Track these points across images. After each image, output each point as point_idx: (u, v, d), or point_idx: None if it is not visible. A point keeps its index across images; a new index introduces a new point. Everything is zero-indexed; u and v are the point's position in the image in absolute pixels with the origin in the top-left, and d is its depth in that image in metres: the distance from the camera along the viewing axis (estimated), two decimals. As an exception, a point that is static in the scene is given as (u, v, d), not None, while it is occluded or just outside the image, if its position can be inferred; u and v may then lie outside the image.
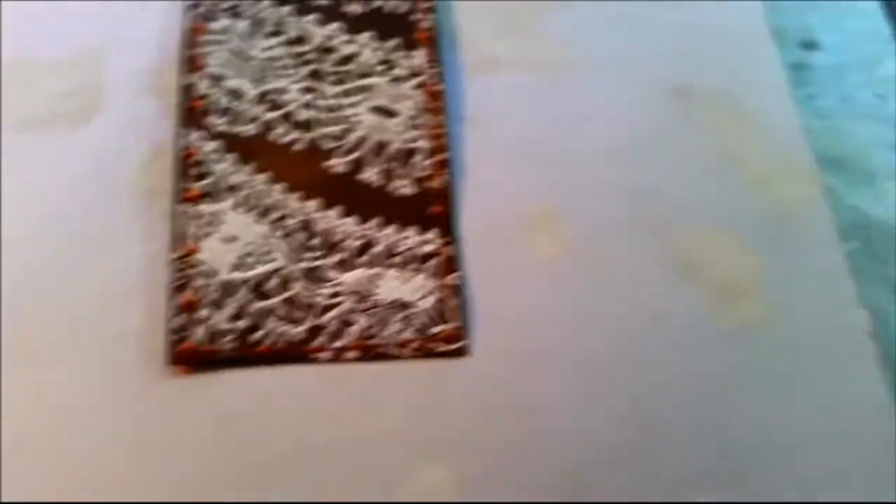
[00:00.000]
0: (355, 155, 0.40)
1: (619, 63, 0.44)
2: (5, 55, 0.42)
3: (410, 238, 0.38)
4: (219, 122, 0.39)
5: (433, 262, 0.38)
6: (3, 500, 0.31)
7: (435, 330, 0.36)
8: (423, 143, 0.40)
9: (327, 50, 0.42)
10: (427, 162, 0.40)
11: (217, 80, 0.40)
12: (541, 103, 0.43)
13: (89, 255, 0.36)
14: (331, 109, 0.41)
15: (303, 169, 0.39)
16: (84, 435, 0.33)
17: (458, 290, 0.37)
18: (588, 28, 0.45)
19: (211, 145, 0.39)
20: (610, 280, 0.38)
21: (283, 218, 0.38)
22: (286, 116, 0.40)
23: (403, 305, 0.36)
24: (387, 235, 0.38)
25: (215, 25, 0.42)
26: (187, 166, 0.38)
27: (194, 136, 0.39)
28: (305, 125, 0.40)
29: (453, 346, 0.36)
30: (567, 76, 0.44)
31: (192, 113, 0.39)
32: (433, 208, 0.39)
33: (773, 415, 0.35)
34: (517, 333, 0.37)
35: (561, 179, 0.41)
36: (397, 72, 0.42)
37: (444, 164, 0.40)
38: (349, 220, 0.38)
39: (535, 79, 0.43)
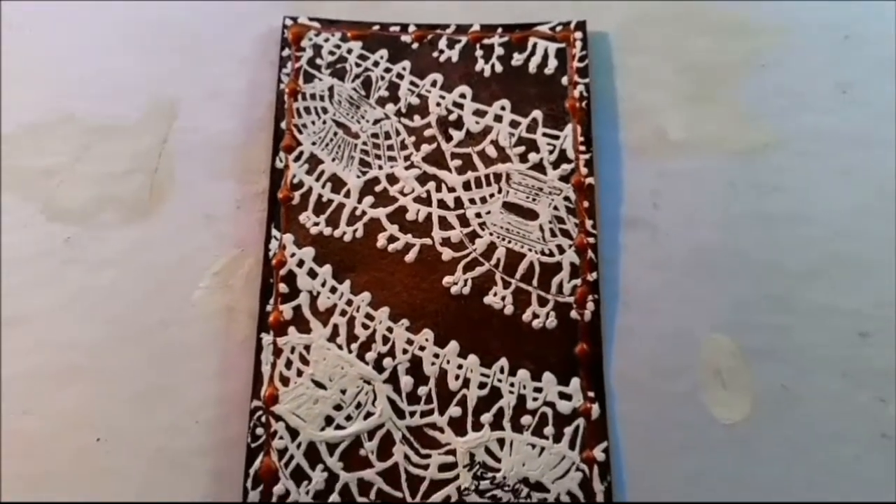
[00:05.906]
0: (480, 270, 0.31)
1: (845, 143, 0.33)
2: (33, 116, 0.33)
3: (546, 389, 0.29)
4: (314, 222, 0.32)
5: (574, 425, 0.29)
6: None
7: (575, 530, 0.27)
8: (568, 257, 0.31)
9: (451, 124, 0.33)
10: (573, 283, 0.30)
11: (315, 163, 0.33)
12: (730, 199, 0.32)
13: (146, 393, 0.29)
14: (451, 205, 0.32)
15: (412, 288, 0.30)
16: None
17: (606, 469, 0.28)
18: (800, 94, 0.34)
19: (303, 253, 0.31)
20: (816, 452, 0.28)
21: (385, 356, 0.30)
22: (396, 214, 0.32)
23: (533, 487, 0.28)
24: (516, 384, 0.29)
25: (314, 87, 0.34)
26: (275, 280, 0.31)
27: (286, 238, 0.31)
28: (418, 227, 0.31)
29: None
30: (768, 161, 0.33)
31: (283, 207, 0.32)
32: (578, 347, 0.30)
33: None
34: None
35: (756, 307, 0.30)
36: (538, 156, 0.32)
37: (594, 286, 0.30)
38: (469, 360, 0.30)
39: (724, 165, 0.33)
